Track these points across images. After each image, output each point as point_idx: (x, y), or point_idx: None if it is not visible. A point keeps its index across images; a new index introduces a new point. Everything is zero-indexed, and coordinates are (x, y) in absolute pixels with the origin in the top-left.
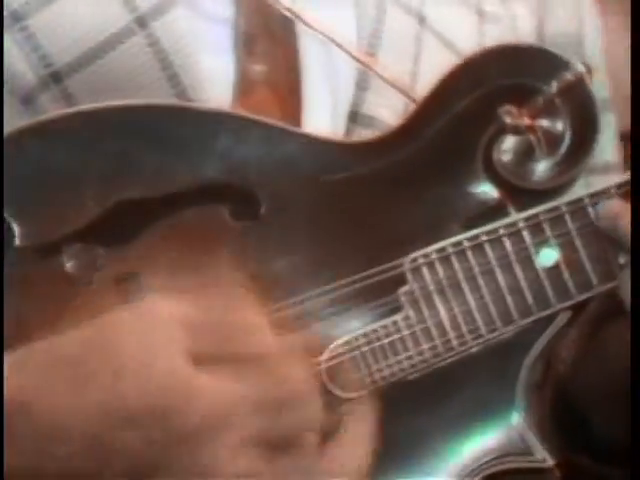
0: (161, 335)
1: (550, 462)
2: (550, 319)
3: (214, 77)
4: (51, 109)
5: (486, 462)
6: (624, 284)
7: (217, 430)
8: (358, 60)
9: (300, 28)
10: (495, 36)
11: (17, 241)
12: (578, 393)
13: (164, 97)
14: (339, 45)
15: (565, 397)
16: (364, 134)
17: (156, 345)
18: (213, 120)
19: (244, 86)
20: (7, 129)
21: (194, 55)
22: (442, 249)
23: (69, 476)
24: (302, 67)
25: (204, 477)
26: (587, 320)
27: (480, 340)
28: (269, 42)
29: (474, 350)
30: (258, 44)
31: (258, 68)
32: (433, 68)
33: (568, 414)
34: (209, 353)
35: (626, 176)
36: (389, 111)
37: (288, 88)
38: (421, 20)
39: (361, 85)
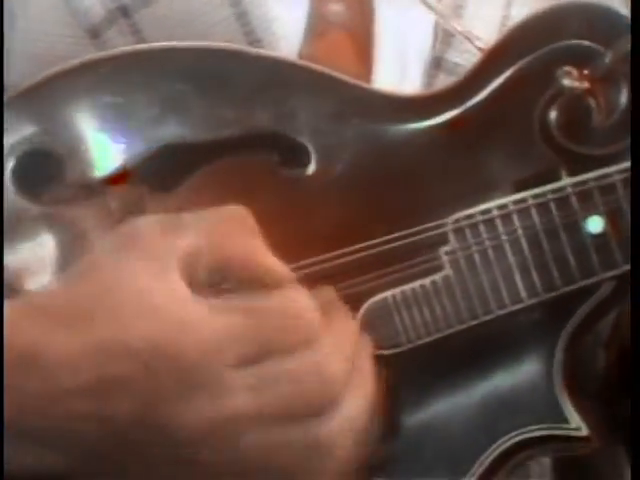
0: (159, 265)
1: (585, 431)
2: (595, 288)
3: (285, 17)
4: (119, 44)
5: (520, 427)
6: None
7: (214, 362)
8: (431, 7)
9: None
10: None
11: (67, 177)
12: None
13: (233, 35)
14: None
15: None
16: (448, 81)
17: (154, 276)
18: (267, 67)
19: (318, 26)
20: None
21: None
22: (487, 211)
23: (76, 418)
24: (376, 10)
25: (207, 406)
26: None
27: (520, 305)
28: None
29: (513, 315)
30: None
31: (334, 8)
32: (526, 13)
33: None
34: (213, 282)
35: None
36: (475, 58)
37: (363, 31)
38: None
39: (446, 31)
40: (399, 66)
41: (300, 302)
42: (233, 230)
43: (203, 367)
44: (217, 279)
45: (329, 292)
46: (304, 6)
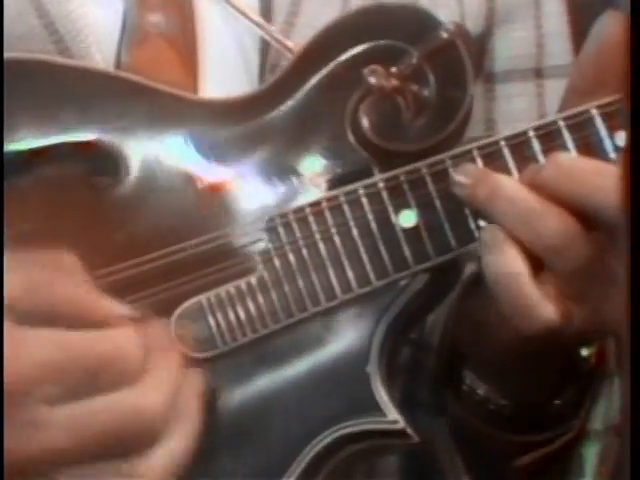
0: None
1: (402, 424)
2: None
3: (96, 25)
4: None
5: (336, 423)
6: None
7: (28, 396)
8: (249, 19)
9: None
10: None
11: None
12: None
13: (42, 45)
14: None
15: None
16: None
17: None
18: (77, 76)
19: (137, 36)
20: None
21: (71, 2)
22: (300, 209)
23: None
24: (200, 20)
25: (20, 439)
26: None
27: (334, 301)
28: None
29: (330, 311)
30: None
31: (153, 19)
32: None
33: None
34: (31, 315)
35: (490, 138)
36: None
37: (184, 40)
38: None
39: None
40: (227, 77)
41: (121, 341)
42: (57, 273)
43: (17, 400)
44: (45, 320)
45: (159, 327)
46: (118, 14)
